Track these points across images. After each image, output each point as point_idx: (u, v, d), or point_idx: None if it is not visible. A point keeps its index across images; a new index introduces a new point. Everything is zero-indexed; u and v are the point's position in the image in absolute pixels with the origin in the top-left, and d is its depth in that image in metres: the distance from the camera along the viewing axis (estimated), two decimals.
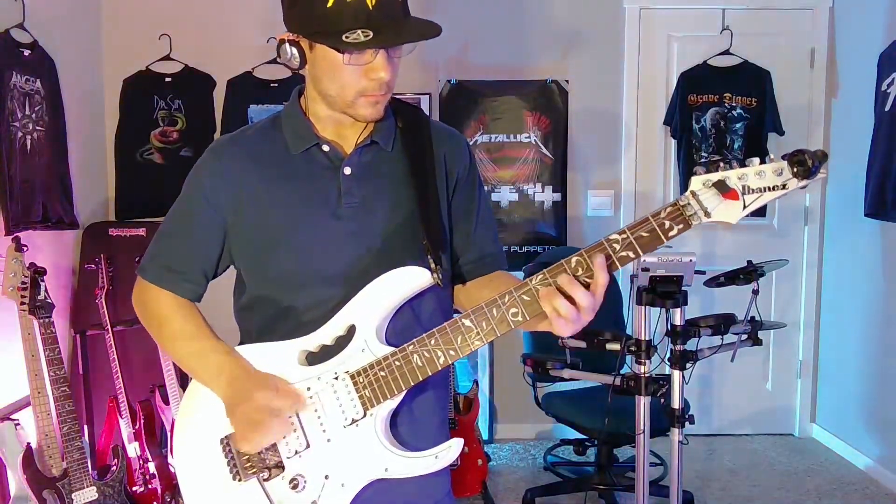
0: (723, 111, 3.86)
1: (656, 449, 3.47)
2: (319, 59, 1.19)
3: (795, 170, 1.01)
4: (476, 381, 3.51)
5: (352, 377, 1.20)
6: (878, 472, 3.52)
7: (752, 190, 1.04)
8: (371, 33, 1.11)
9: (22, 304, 2.51)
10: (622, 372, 2.62)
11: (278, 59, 1.23)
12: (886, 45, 3.38)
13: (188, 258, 1.31)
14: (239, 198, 1.27)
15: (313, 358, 1.24)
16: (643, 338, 2.57)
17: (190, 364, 1.30)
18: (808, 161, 1.00)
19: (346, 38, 1.11)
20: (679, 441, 2.56)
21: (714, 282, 2.80)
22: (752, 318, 2.75)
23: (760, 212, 4.38)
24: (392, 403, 1.20)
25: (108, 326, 3.00)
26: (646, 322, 2.58)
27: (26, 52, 2.93)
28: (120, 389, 2.95)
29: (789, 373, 4.10)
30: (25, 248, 2.57)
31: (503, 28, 3.89)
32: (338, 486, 1.20)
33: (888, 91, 3.31)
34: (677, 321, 2.56)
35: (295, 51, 1.20)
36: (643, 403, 2.57)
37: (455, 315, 1.20)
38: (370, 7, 1.11)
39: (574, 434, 3.32)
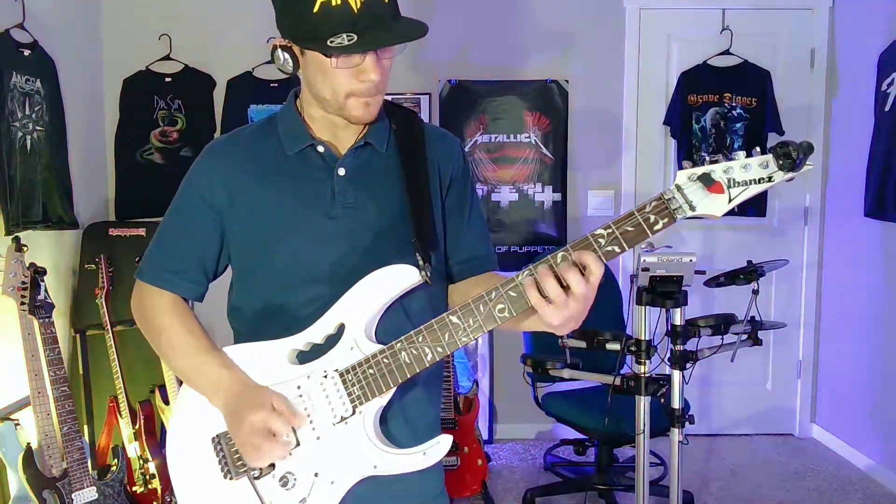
0: (723, 111, 3.86)
1: (656, 449, 3.47)
2: (311, 63, 1.21)
3: (780, 162, 1.01)
4: (476, 381, 3.51)
5: (341, 375, 1.20)
6: (878, 472, 3.52)
7: (738, 183, 1.04)
8: (355, 37, 1.12)
9: (22, 304, 2.52)
10: (622, 372, 2.62)
11: (273, 64, 1.25)
12: (886, 46, 3.38)
13: (186, 257, 1.32)
14: (234, 196, 1.28)
15: (303, 356, 1.24)
16: (643, 338, 2.57)
17: (187, 376, 1.30)
18: (793, 153, 1.00)
19: (331, 42, 1.13)
20: (679, 441, 2.56)
21: (714, 282, 2.80)
22: (752, 318, 2.75)
23: (760, 211, 4.36)
24: (381, 401, 1.20)
25: (108, 326, 3.00)
26: (646, 322, 2.58)
27: (26, 52, 2.94)
28: (120, 389, 2.95)
29: (789, 373, 4.10)
30: (25, 248, 2.57)
31: (503, 28, 3.89)
32: (327, 483, 1.20)
33: (888, 91, 3.31)
34: (677, 321, 2.56)
35: (287, 56, 1.22)
36: (643, 403, 2.57)
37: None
38: (355, 11, 1.12)
39: (574, 434, 3.32)
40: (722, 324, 2.66)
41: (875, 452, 3.57)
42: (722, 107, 3.86)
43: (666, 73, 3.94)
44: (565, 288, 1.08)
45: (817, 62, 3.92)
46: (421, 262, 1.21)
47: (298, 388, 1.22)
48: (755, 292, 2.72)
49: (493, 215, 3.92)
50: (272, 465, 1.22)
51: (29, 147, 2.95)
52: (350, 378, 1.20)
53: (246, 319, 1.33)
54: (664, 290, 2.49)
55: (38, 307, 2.53)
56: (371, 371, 1.18)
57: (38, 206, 2.98)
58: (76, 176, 3.30)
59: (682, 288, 2.51)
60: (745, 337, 2.75)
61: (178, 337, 1.30)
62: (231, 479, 1.24)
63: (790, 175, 1.02)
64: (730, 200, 1.05)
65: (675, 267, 2.43)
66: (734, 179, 1.04)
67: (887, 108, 3.30)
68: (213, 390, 1.25)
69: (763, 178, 1.03)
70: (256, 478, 1.23)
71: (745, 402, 4.10)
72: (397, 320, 1.25)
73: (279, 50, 1.22)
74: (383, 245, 1.26)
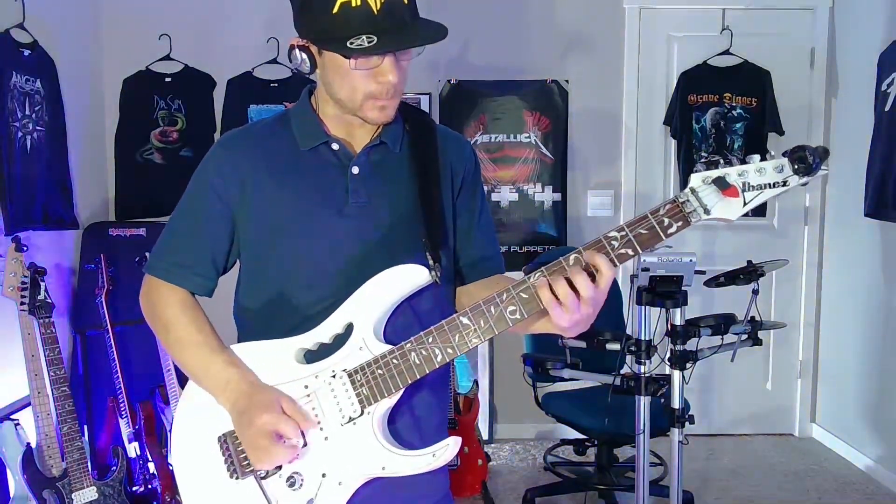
0: (723, 111, 3.86)
1: (656, 449, 3.46)
2: (329, 64, 1.21)
3: (796, 166, 1.01)
4: (476, 381, 3.51)
5: (349, 375, 1.20)
6: (878, 472, 3.52)
7: (753, 187, 1.03)
8: (375, 38, 1.12)
9: (22, 304, 2.52)
10: (622, 372, 2.62)
11: (290, 65, 1.25)
12: (886, 45, 3.38)
13: (197, 252, 1.30)
14: (246, 191, 1.27)
15: (312, 356, 1.24)
16: (643, 338, 2.57)
17: (195, 373, 1.28)
18: (809, 157, 1.00)
19: (351, 43, 1.12)
20: (679, 441, 2.56)
21: (714, 282, 2.80)
22: (752, 318, 2.74)
23: (760, 212, 4.37)
24: (390, 402, 1.19)
25: (108, 326, 3.00)
26: (646, 322, 2.58)
27: (26, 52, 2.93)
28: (120, 389, 2.95)
29: (789, 373, 4.10)
30: (25, 248, 2.57)
31: (503, 28, 3.89)
32: (335, 484, 1.20)
33: (888, 91, 3.31)
34: (677, 321, 2.55)
35: (305, 56, 1.22)
36: (643, 403, 2.57)
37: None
38: (375, 12, 1.12)
39: (574, 434, 3.32)
40: (722, 324, 2.66)
41: (875, 452, 3.57)
42: (722, 107, 3.86)
43: (666, 73, 3.94)
44: (575, 290, 1.08)
45: (817, 62, 3.92)
46: (431, 262, 1.21)
47: (306, 387, 1.22)
48: (755, 292, 2.72)
49: (493, 215, 3.87)
50: (279, 466, 1.21)
51: (29, 147, 2.95)
52: (359, 378, 1.19)
53: (253, 317, 1.32)
54: (664, 290, 2.49)
55: (38, 307, 2.52)
56: (380, 371, 1.18)
57: (38, 206, 2.98)
58: (76, 176, 3.30)
59: (682, 288, 2.50)
60: (745, 337, 2.74)
61: (186, 332, 1.29)
62: (237, 478, 1.23)
63: (805, 179, 1.02)
64: (745, 204, 1.04)
65: (675, 267, 2.43)
66: (749, 183, 1.04)
67: (887, 108, 3.30)
68: (221, 388, 1.24)
69: (778, 182, 1.03)
70: (263, 478, 1.21)
71: (745, 402, 4.10)
72: (406, 320, 1.24)
73: (297, 50, 1.22)
74: (393, 244, 1.26)
